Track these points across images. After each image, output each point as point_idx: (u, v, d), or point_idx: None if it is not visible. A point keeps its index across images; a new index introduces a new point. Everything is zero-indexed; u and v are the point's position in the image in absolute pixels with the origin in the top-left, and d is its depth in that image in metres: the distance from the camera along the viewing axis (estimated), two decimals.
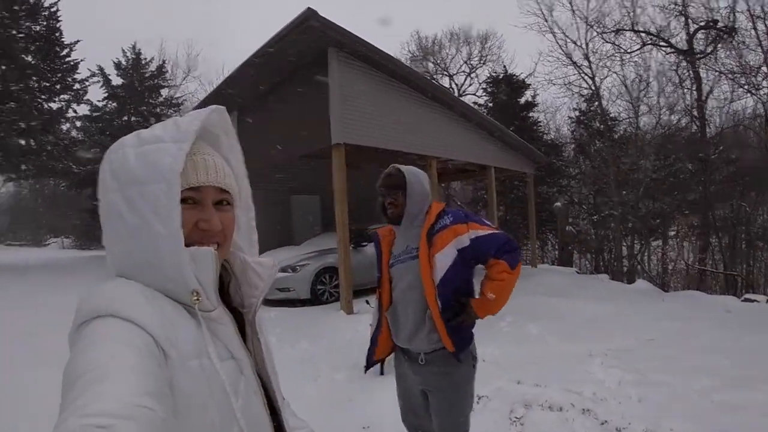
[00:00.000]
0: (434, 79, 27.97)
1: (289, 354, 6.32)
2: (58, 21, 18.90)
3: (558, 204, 18.91)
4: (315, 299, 9.82)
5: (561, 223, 18.34)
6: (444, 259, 2.38)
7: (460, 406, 2.48)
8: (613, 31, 19.36)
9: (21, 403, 4.64)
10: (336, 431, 4.10)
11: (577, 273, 16.02)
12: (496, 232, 2.46)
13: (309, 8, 8.15)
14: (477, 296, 2.49)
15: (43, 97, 18.68)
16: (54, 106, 19.28)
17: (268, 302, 9.37)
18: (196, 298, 0.84)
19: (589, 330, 7.59)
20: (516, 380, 5.08)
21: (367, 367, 2.73)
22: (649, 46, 19.40)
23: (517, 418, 4.16)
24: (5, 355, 6.52)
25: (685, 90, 19.33)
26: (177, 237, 0.82)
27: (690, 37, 17.73)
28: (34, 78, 18.10)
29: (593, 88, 20.05)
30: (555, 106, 40.95)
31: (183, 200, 0.88)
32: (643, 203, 18.66)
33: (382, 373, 5.10)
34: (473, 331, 2.58)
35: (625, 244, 18.53)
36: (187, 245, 0.85)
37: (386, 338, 2.62)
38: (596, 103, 20.93)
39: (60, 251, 39.04)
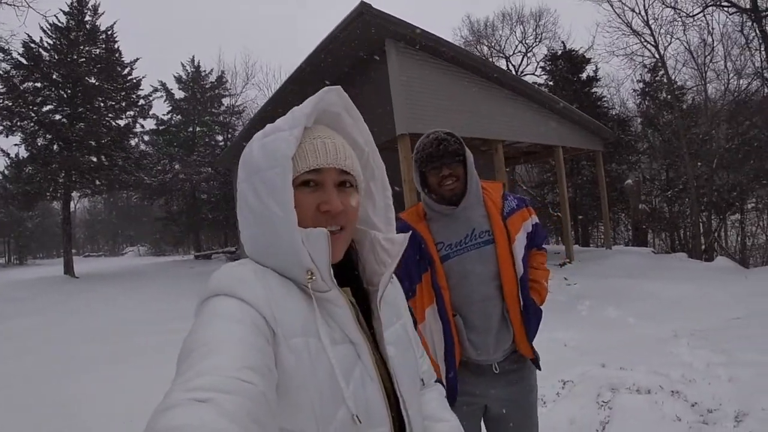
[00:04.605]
0: (491, 62, 27.64)
1: None
2: (116, 42, 19.75)
3: (629, 181, 18.35)
4: None
5: (633, 201, 17.77)
6: (520, 246, 2.05)
7: (536, 417, 2.16)
8: None
9: (103, 399, 4.92)
10: None
11: (654, 253, 15.51)
12: (540, 223, 2.29)
13: (362, 2, 8.24)
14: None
15: (110, 115, 19.55)
16: (121, 122, 20.21)
17: None
18: (309, 277, 0.86)
19: (671, 311, 7.42)
20: (600, 364, 5.06)
21: (452, 401, 1.92)
22: (711, 8, 18.48)
23: (604, 402, 4.13)
24: (88, 352, 6.94)
25: (753, 51, 18.33)
26: (291, 217, 0.86)
27: None
28: (100, 98, 18.95)
29: (657, 56, 19.25)
30: (618, 80, 39.65)
31: (305, 183, 0.93)
32: (718, 175, 17.88)
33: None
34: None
35: (701, 220, 17.79)
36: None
37: (459, 354, 2.03)
38: (661, 72, 20.13)
39: (136, 258, 40.76)
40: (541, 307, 2.15)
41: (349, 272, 1.03)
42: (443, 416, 1.15)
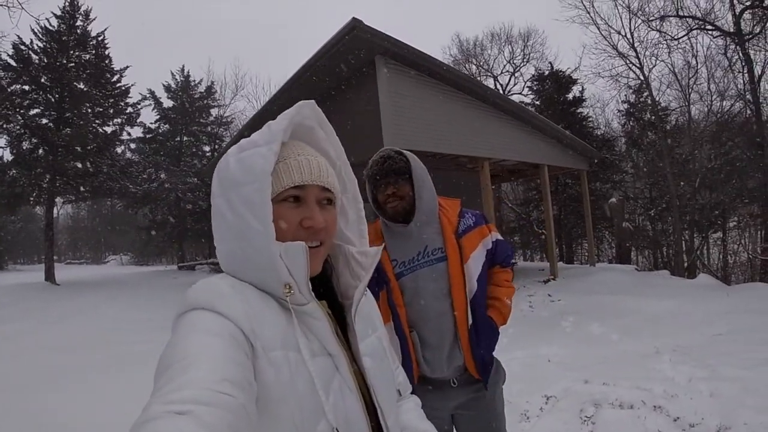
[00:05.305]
0: (479, 80, 27.79)
1: None
2: (107, 48, 19.60)
3: (613, 200, 18.51)
4: None
5: (617, 219, 17.92)
6: (475, 264, 2.05)
7: (502, 425, 2.15)
8: (658, 18, 18.84)
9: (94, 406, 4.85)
10: None
11: (637, 270, 15.64)
12: (505, 240, 2.25)
13: (354, 18, 8.27)
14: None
15: (97, 121, 19.36)
16: (108, 129, 19.97)
17: None
18: (288, 290, 0.87)
19: (653, 327, 7.49)
20: (583, 380, 5.08)
21: None
22: (696, 31, 18.81)
23: (587, 417, 4.15)
24: (67, 361, 6.85)
25: (736, 74, 18.66)
26: (269, 232, 0.86)
27: (736, 19, 16.97)
28: (88, 104, 18.74)
29: (642, 78, 19.53)
30: (604, 100, 40.08)
31: (287, 199, 0.93)
32: (700, 194, 18.11)
33: None
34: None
35: (684, 238, 17.98)
36: None
37: (416, 367, 2.03)
38: (646, 93, 20.43)
39: (119, 267, 40.24)
40: (501, 326, 2.12)
41: (325, 286, 1.04)
42: (421, 427, 1.17)
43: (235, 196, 0.90)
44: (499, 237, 2.21)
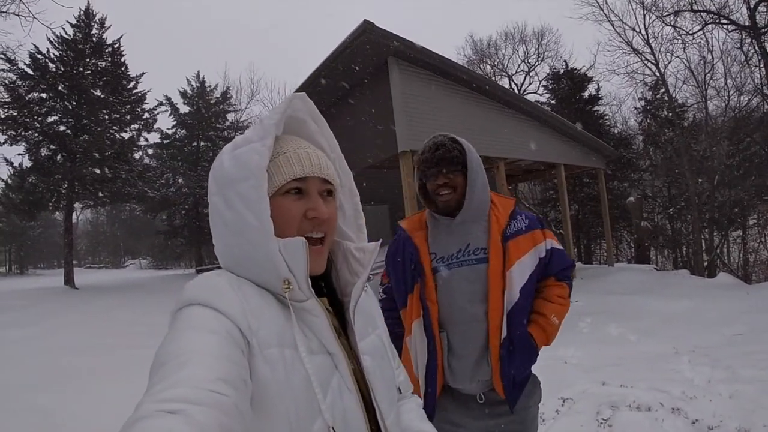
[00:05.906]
0: (493, 80, 27.65)
1: None
2: (122, 56, 19.78)
3: (631, 199, 18.37)
4: None
5: (635, 218, 17.78)
6: (521, 272, 1.84)
7: None
8: (672, 13, 18.64)
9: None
10: None
11: (656, 270, 15.49)
12: (564, 249, 2.06)
13: (365, 20, 8.29)
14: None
15: (114, 128, 19.53)
16: (125, 135, 20.11)
17: None
18: (286, 286, 0.86)
19: (672, 328, 7.40)
20: (600, 381, 5.02)
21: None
22: (711, 25, 18.56)
23: (604, 419, 4.10)
24: (80, 363, 6.87)
25: (753, 68, 18.38)
26: (267, 227, 0.86)
27: (751, 12, 16.71)
28: (105, 110, 18.95)
29: (657, 74, 19.37)
30: (620, 98, 39.80)
31: (289, 191, 0.94)
32: (719, 192, 17.89)
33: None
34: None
35: (703, 236, 17.77)
36: (298, 236, 0.89)
37: (442, 372, 1.85)
38: (662, 90, 20.27)
39: (137, 271, 40.60)
40: (543, 347, 1.90)
41: (325, 282, 1.03)
42: (421, 428, 1.14)
43: (232, 193, 0.90)
44: (557, 245, 2.01)
